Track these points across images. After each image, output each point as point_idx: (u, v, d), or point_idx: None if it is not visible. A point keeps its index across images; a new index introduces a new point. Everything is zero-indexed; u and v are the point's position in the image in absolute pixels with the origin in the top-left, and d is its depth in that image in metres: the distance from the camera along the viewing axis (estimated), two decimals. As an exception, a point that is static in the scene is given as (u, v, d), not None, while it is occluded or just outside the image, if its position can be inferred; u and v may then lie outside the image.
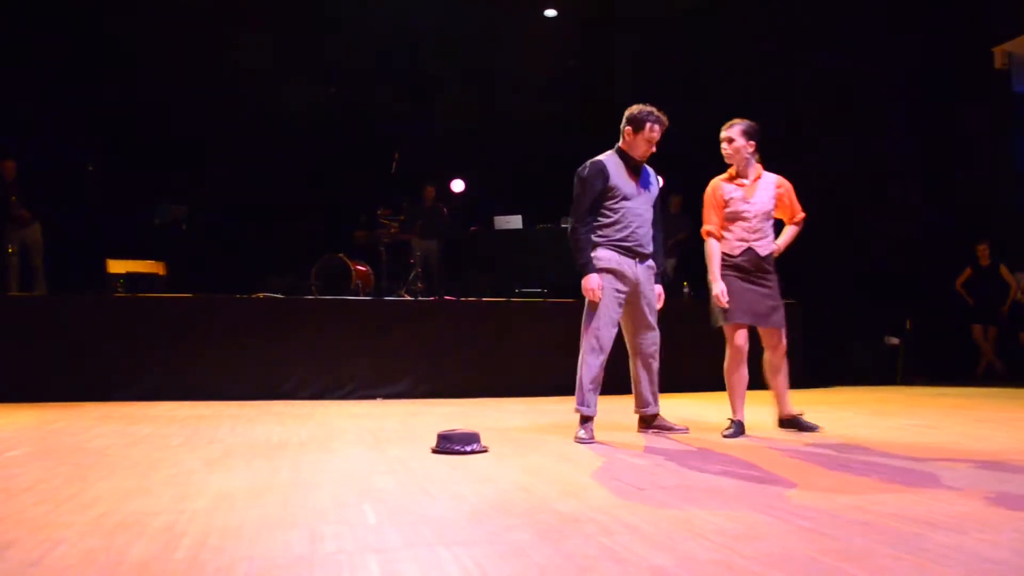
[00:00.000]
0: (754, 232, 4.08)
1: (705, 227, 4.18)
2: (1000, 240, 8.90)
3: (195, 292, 6.84)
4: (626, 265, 3.95)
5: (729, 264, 4.09)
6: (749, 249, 4.07)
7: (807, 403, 6.08)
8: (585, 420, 3.95)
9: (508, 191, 9.58)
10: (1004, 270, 8.66)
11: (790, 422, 4.28)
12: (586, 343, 3.95)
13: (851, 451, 3.52)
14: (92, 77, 8.73)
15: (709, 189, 4.18)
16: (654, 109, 3.96)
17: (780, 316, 4.17)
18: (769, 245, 4.14)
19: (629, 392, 4.25)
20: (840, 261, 9.51)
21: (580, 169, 3.99)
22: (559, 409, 5.56)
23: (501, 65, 9.58)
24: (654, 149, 4.00)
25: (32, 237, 7.78)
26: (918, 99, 9.24)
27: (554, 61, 10.04)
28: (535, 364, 6.75)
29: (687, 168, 9.86)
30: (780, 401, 4.31)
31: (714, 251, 4.11)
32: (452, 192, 9.90)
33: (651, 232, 4.06)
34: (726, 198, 4.10)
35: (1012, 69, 8.81)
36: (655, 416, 4.22)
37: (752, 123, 4.11)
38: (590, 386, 3.95)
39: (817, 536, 2.02)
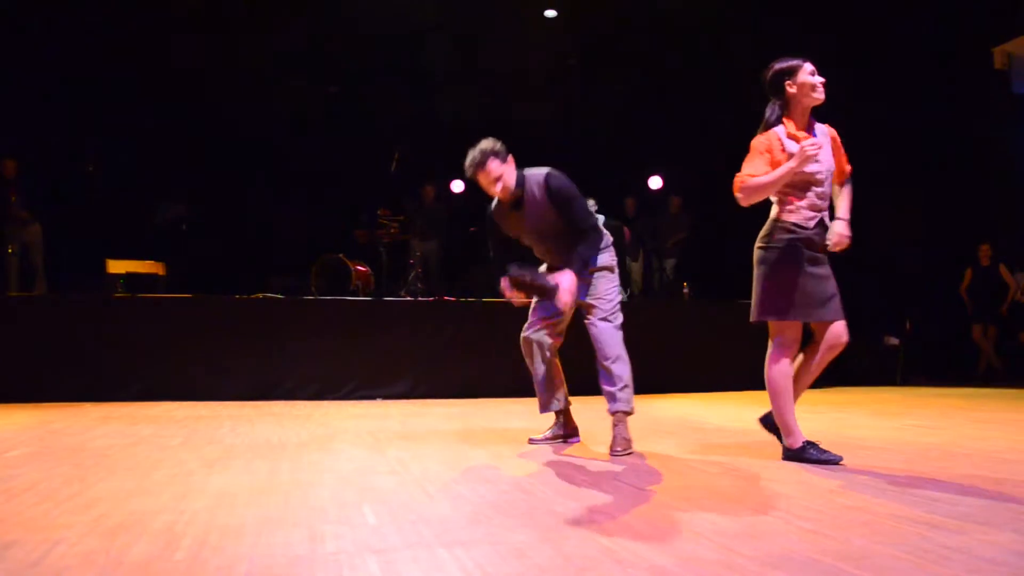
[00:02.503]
0: (824, 199, 3.29)
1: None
2: (1000, 240, 8.90)
3: (195, 292, 6.85)
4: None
5: (801, 238, 3.23)
6: (820, 221, 3.28)
7: (807, 403, 6.09)
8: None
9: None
10: (1004, 270, 8.66)
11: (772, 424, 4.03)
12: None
13: (851, 451, 3.52)
14: (92, 77, 8.74)
15: (764, 139, 3.27)
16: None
17: (840, 302, 3.46)
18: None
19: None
20: (840, 261, 9.51)
21: (561, 175, 3.64)
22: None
23: (501, 65, 9.58)
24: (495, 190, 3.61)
25: (32, 237, 7.78)
26: (918, 99, 9.24)
27: (554, 61, 10.04)
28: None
29: (689, 166, 9.89)
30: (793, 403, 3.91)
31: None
32: (452, 192, 9.90)
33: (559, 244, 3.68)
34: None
35: (1012, 69, 8.82)
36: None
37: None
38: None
39: (817, 536, 2.02)
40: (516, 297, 3.60)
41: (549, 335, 3.85)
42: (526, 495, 2.58)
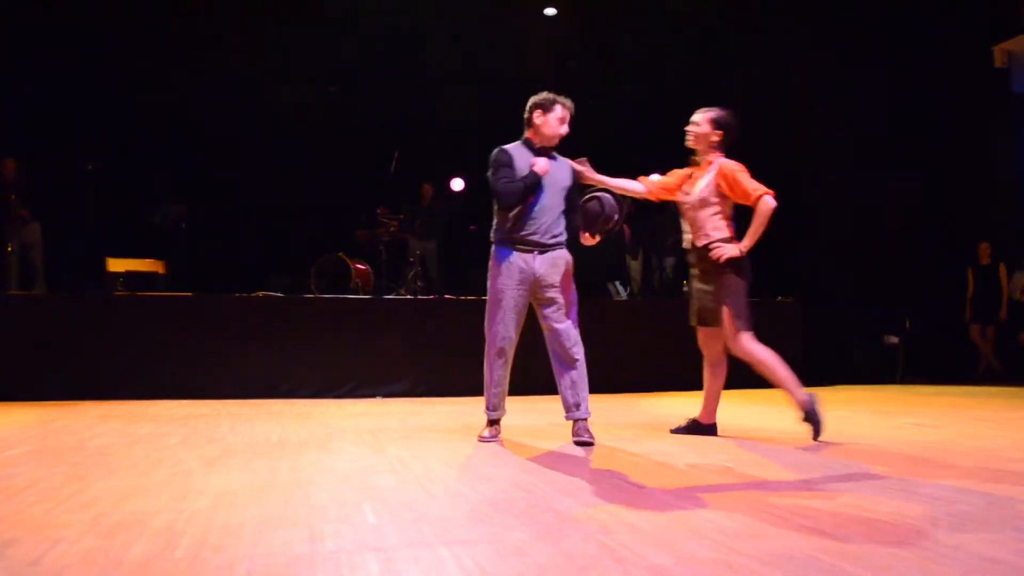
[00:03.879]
0: (690, 223, 3.91)
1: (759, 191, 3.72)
2: (1000, 240, 8.90)
3: (195, 291, 6.85)
4: (523, 260, 3.82)
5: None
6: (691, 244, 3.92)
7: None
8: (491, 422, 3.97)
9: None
10: (1003, 270, 8.65)
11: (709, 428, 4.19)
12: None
13: (850, 450, 3.52)
14: (92, 76, 8.73)
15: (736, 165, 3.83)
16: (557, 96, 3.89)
17: (718, 315, 3.88)
18: (707, 237, 3.85)
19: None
20: (840, 261, 9.51)
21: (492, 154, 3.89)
22: (558, 408, 5.55)
23: (501, 65, 9.57)
24: (563, 132, 3.86)
25: (32, 236, 7.78)
26: (918, 98, 9.24)
27: (554, 61, 10.03)
28: (534, 363, 6.74)
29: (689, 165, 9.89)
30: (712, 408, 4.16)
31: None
32: (452, 191, 9.90)
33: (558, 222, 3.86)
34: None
35: (1012, 68, 8.81)
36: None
37: (725, 116, 3.93)
38: (494, 389, 3.94)
39: (817, 535, 2.02)
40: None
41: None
42: (526, 494, 2.58)
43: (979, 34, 8.92)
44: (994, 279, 8.68)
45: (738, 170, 3.80)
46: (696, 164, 3.97)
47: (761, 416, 5.11)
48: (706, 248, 3.81)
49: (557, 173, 3.88)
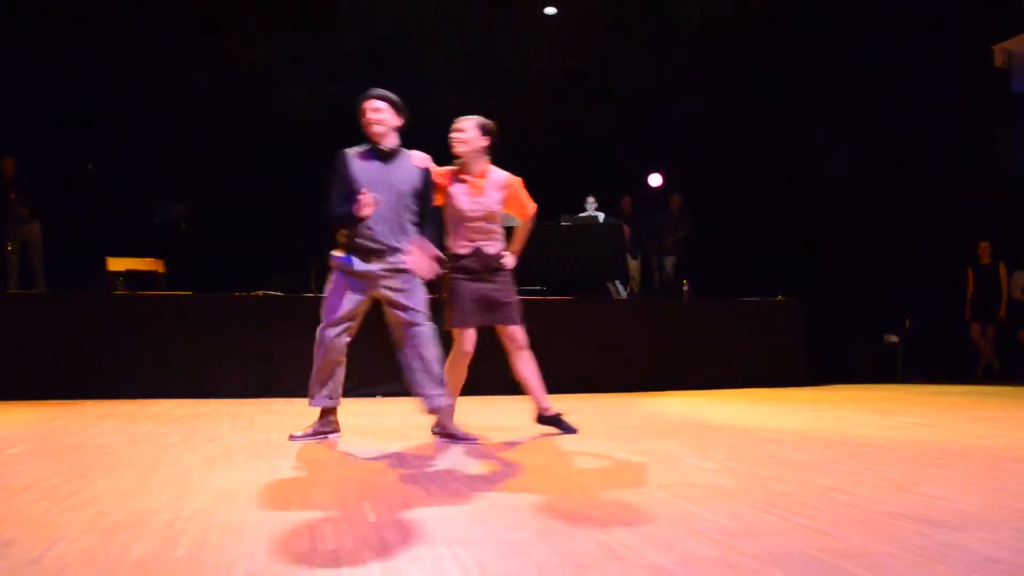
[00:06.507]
0: (480, 233, 3.93)
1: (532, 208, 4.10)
2: (1000, 239, 8.91)
3: (194, 290, 6.85)
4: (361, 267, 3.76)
5: (457, 266, 3.95)
6: (477, 251, 3.93)
7: (807, 401, 6.10)
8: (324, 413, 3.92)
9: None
10: (1003, 270, 8.66)
11: (549, 420, 4.15)
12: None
13: (850, 449, 3.52)
14: (92, 75, 8.73)
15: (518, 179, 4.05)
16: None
17: (513, 313, 4.03)
18: (498, 246, 3.98)
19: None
20: (840, 260, 9.51)
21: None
22: (558, 407, 5.56)
23: (501, 64, 9.57)
24: (377, 127, 3.72)
25: (32, 235, 7.78)
26: (918, 98, 9.25)
27: (554, 61, 10.03)
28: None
29: (690, 164, 9.90)
30: (535, 398, 4.16)
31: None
32: None
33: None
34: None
35: (1012, 67, 8.82)
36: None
37: (488, 122, 3.97)
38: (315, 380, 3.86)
39: (816, 534, 2.02)
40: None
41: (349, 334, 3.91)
42: (525, 493, 2.58)
43: (979, 34, 8.92)
44: (994, 278, 8.68)
45: (521, 185, 4.06)
46: (462, 169, 3.94)
47: (761, 415, 5.11)
48: (498, 256, 3.97)
49: (396, 175, 3.75)
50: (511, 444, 3.79)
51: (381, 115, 3.75)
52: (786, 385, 7.37)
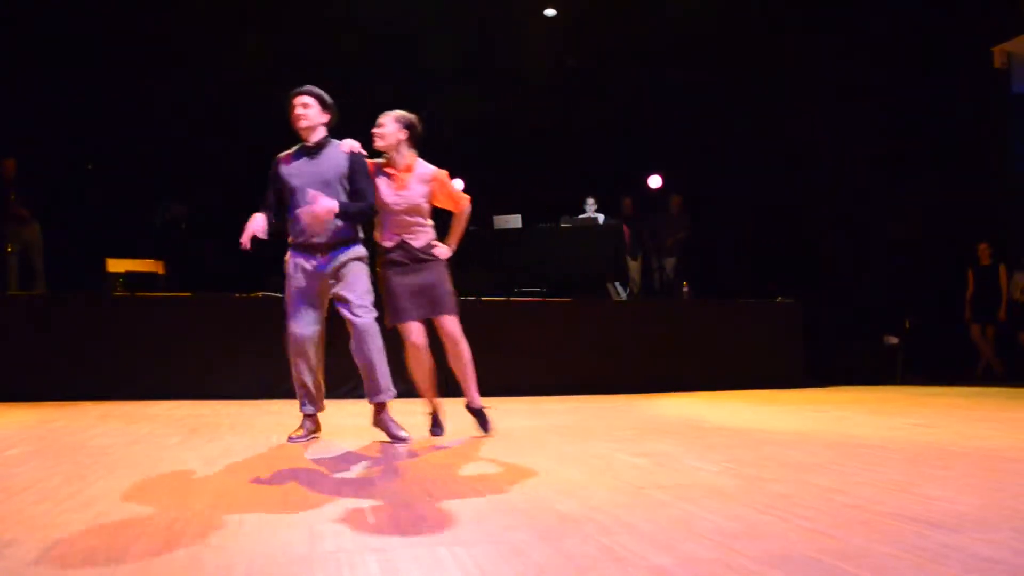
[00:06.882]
0: (403, 226, 3.96)
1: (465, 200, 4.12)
2: (1000, 240, 8.91)
3: (194, 291, 6.85)
4: (306, 262, 3.88)
5: (385, 260, 3.99)
6: (402, 243, 3.96)
7: (806, 402, 6.10)
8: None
9: (508, 191, 9.59)
10: (1003, 271, 8.66)
11: (474, 412, 4.20)
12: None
13: (850, 450, 3.52)
14: (92, 76, 8.74)
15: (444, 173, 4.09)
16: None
17: (446, 304, 4.02)
18: (425, 238, 4.00)
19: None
20: (840, 261, 9.51)
21: None
22: (558, 408, 5.56)
23: (500, 64, 9.58)
24: (304, 122, 3.83)
25: (32, 236, 7.78)
26: (918, 99, 9.25)
27: (554, 61, 10.04)
28: (534, 363, 6.76)
29: (689, 165, 9.89)
30: (464, 388, 4.20)
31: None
32: None
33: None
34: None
35: (1012, 69, 8.82)
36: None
37: (409, 115, 4.00)
38: (300, 389, 3.97)
39: (816, 535, 2.03)
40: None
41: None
42: (525, 494, 2.58)
43: (979, 35, 8.93)
44: (994, 279, 8.68)
45: (447, 178, 4.08)
46: (387, 164, 4.00)
47: (761, 416, 5.11)
48: (427, 247, 3.98)
49: (323, 166, 3.83)
50: (510, 446, 3.79)
51: (309, 111, 3.87)
52: (786, 386, 7.38)
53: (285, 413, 5.21)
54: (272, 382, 6.30)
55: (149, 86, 8.98)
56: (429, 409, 4.20)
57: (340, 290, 3.88)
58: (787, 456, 3.39)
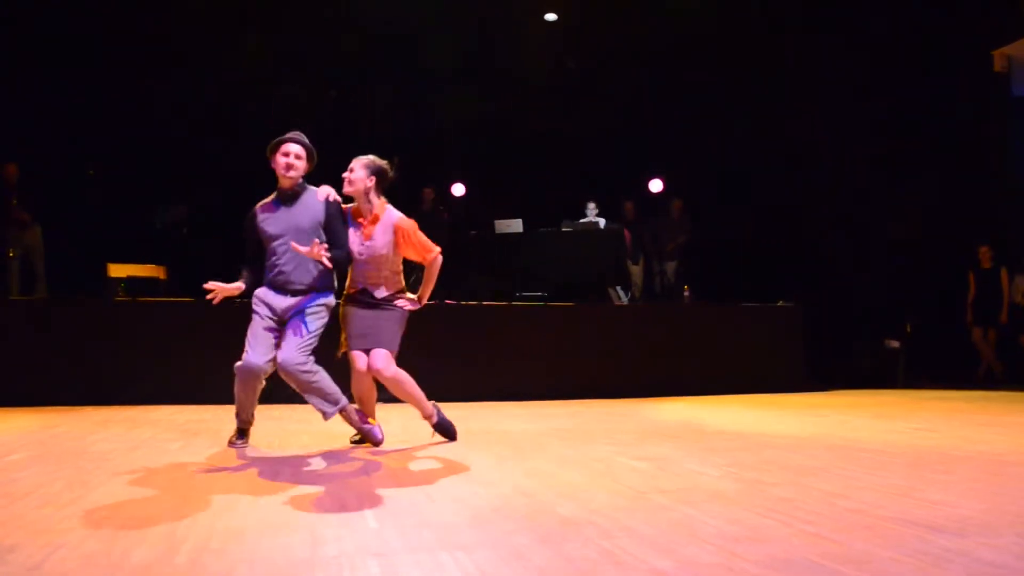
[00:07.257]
0: (366, 276, 3.90)
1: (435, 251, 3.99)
2: (1000, 242, 8.91)
3: (196, 296, 6.84)
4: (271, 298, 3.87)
5: (348, 296, 4.00)
6: (364, 290, 3.93)
7: (809, 406, 6.10)
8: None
9: (509, 195, 9.60)
10: (1004, 274, 8.65)
11: (435, 427, 4.24)
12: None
13: (852, 454, 3.52)
14: (93, 80, 8.75)
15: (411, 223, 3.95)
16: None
17: (382, 338, 3.93)
18: (388, 288, 3.93)
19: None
20: (841, 264, 9.51)
21: None
22: (559, 413, 5.56)
23: (501, 67, 9.59)
24: (292, 172, 3.80)
25: (33, 240, 7.79)
26: (919, 102, 9.26)
27: (554, 62, 10.06)
28: (535, 368, 6.76)
29: (691, 168, 9.90)
30: (362, 408, 4.18)
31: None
32: (452, 196, 9.91)
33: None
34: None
35: (1012, 72, 8.83)
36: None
37: (379, 162, 3.92)
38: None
39: (818, 539, 2.02)
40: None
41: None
42: (527, 498, 2.58)
43: (979, 39, 8.94)
44: (995, 282, 8.68)
45: (414, 229, 3.91)
46: (356, 210, 3.93)
47: (762, 420, 5.11)
48: (391, 297, 3.93)
49: (300, 215, 3.81)
50: (510, 449, 3.78)
51: (300, 163, 3.85)
52: (787, 390, 7.37)
53: (286, 418, 5.21)
54: (272, 387, 6.28)
55: (149, 86, 8.98)
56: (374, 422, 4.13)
57: (289, 328, 3.90)
58: (789, 460, 3.39)
